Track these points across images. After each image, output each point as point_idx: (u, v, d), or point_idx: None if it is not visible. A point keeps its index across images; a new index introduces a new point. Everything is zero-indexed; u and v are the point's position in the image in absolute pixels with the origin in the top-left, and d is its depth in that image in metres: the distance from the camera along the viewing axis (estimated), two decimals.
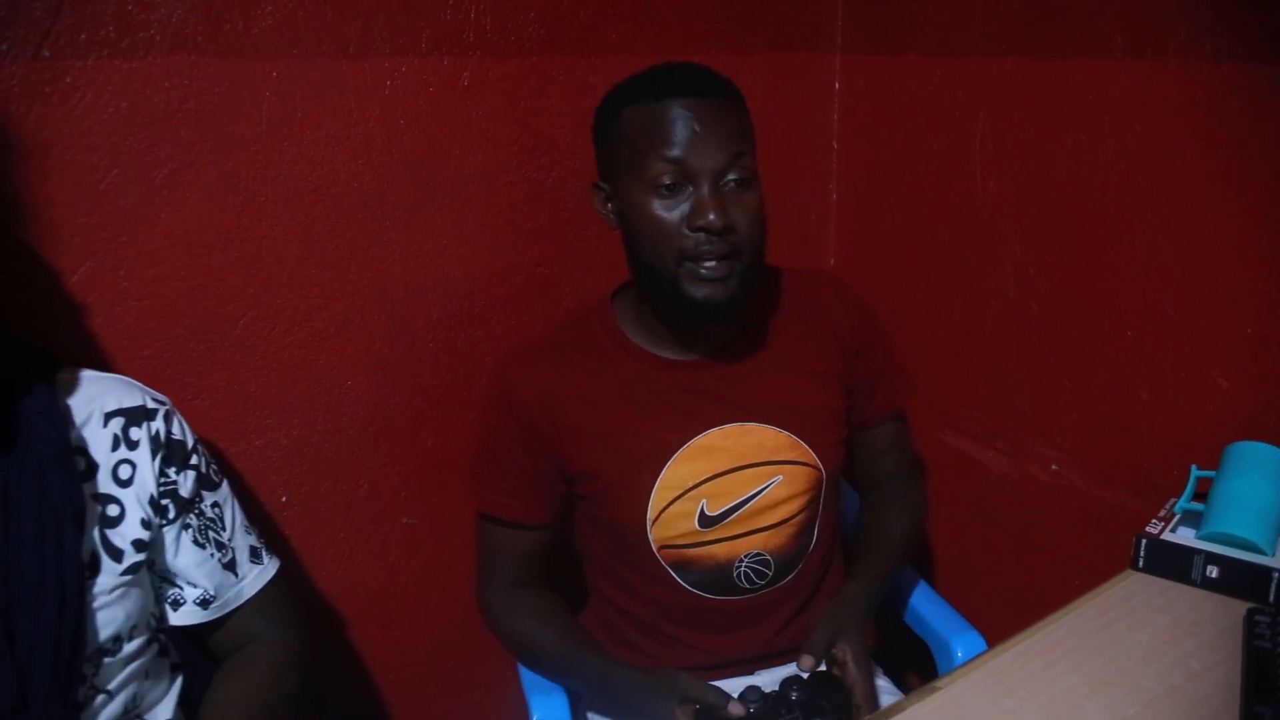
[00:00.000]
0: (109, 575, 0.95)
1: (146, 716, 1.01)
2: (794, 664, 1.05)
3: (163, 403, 1.02)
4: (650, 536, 1.14)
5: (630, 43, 1.35)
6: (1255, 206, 1.07)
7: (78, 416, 0.97)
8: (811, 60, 1.52)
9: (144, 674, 1.01)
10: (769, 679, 1.18)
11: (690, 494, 1.13)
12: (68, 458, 0.95)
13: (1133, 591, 1.02)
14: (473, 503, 1.20)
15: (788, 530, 1.17)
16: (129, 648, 0.97)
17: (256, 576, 1.08)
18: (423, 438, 1.34)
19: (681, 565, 1.15)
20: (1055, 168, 1.25)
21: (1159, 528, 1.08)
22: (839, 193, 1.60)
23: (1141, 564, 1.06)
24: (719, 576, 1.16)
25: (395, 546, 1.37)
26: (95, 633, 0.93)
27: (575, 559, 1.27)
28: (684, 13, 1.39)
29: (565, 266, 1.40)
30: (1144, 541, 1.06)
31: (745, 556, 1.15)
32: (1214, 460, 1.09)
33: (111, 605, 0.95)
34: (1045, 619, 0.97)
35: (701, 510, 1.14)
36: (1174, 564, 1.03)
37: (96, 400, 0.99)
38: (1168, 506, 1.14)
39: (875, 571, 1.18)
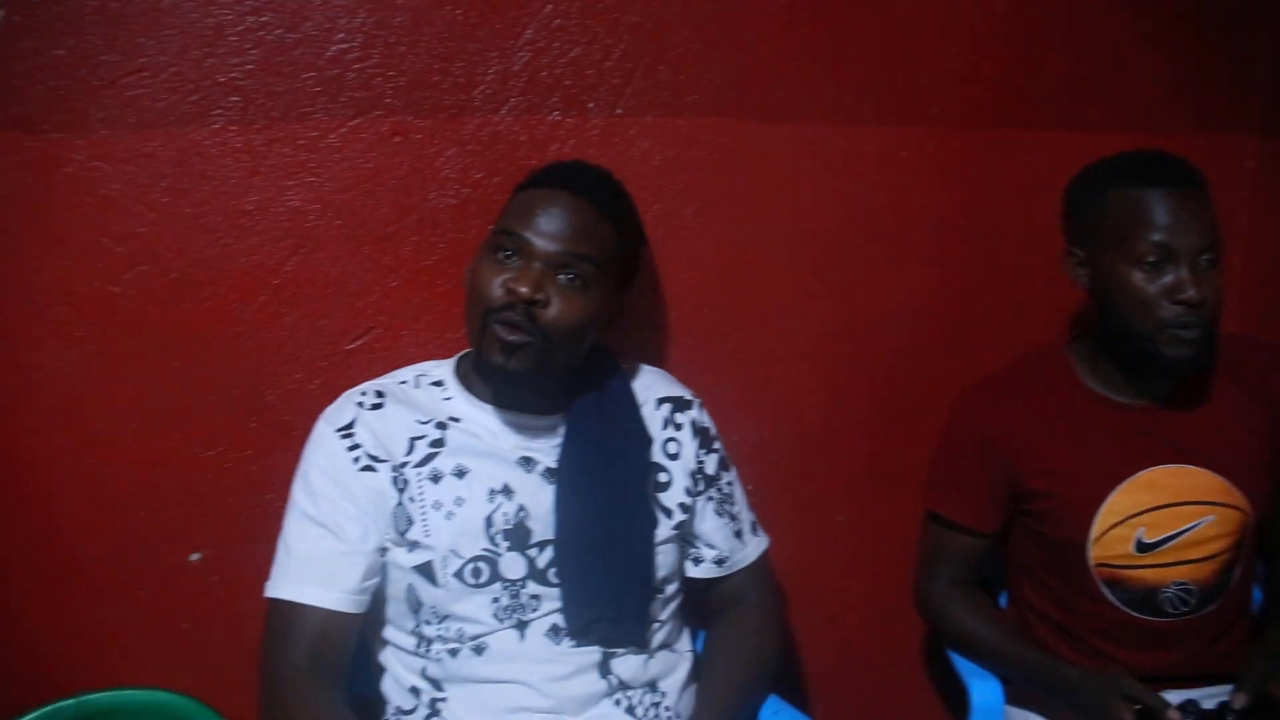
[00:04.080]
0: (663, 529, 1.28)
1: (675, 645, 1.33)
2: (1198, 689, 1.28)
3: (695, 397, 1.37)
4: (1089, 554, 1.41)
5: (1077, 121, 1.65)
6: None
7: (639, 398, 1.33)
8: (1228, 141, 1.76)
9: (676, 613, 1.34)
10: (1174, 700, 1.40)
11: (1130, 521, 1.39)
12: (642, 429, 1.31)
13: None
14: (931, 505, 1.50)
15: (1212, 565, 1.40)
16: (669, 589, 1.30)
17: (755, 546, 1.40)
18: (862, 448, 1.66)
19: (1114, 583, 1.41)
20: None
21: None
22: (1243, 263, 1.83)
23: None
24: (1146, 598, 1.40)
25: (831, 540, 1.69)
26: (654, 572, 1.28)
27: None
28: (1121, 96, 1.67)
29: (984, 315, 1.70)
30: None
31: (1172, 584, 1.40)
32: None
33: (662, 553, 1.28)
34: None
35: (1139, 537, 1.39)
36: None
37: (650, 388, 1.34)
38: None
39: None
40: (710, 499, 1.30)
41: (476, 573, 1.17)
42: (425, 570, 1.17)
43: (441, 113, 1.37)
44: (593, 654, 1.18)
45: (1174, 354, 1.29)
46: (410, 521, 1.18)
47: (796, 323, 1.58)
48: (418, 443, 1.20)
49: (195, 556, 1.45)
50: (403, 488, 1.19)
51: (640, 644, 1.20)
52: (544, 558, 1.17)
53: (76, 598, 1.42)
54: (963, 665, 1.49)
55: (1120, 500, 1.37)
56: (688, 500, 1.27)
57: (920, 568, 1.53)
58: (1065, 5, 1.60)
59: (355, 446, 1.18)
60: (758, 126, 1.49)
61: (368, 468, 1.18)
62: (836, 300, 1.59)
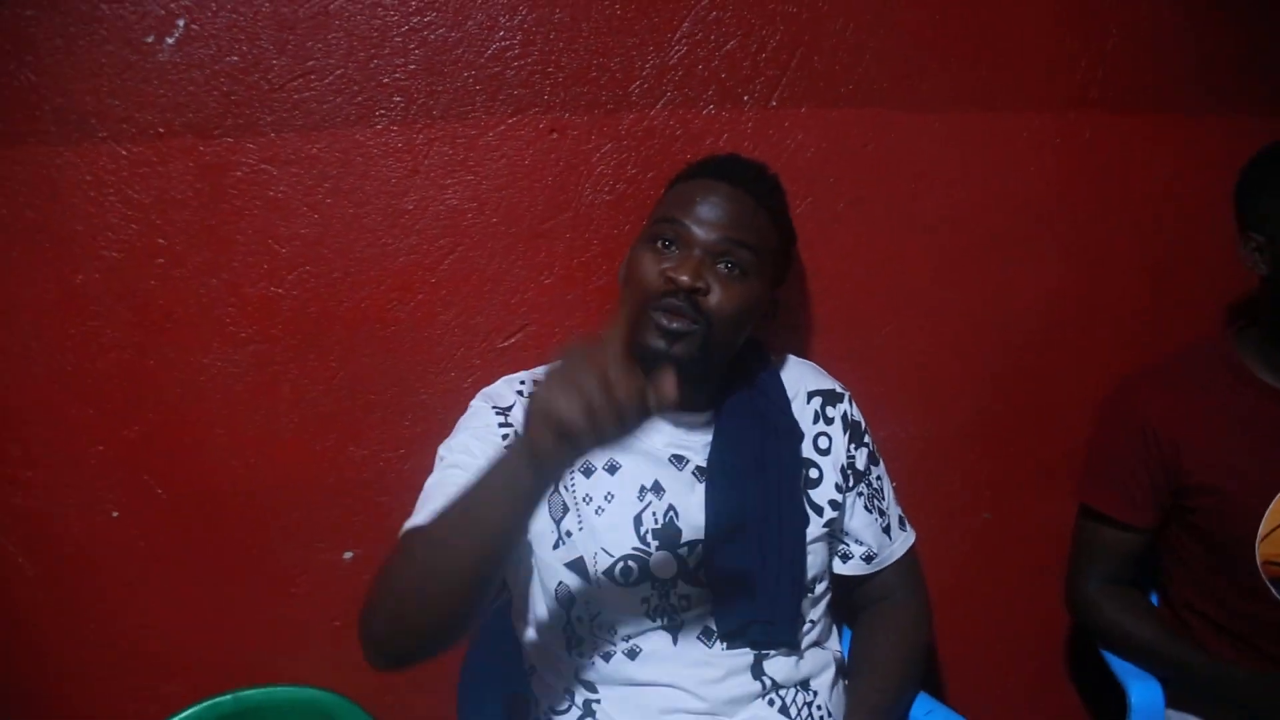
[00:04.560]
0: (814, 527, 1.25)
1: (825, 643, 1.31)
2: None
3: (846, 389, 1.34)
4: (1257, 552, 1.38)
5: (1232, 104, 1.61)
6: None
7: (789, 391, 1.31)
8: None
9: (826, 611, 1.32)
10: None
11: None
12: (794, 426, 1.29)
13: None
14: (1086, 499, 1.48)
15: None
16: (819, 588, 1.28)
17: (903, 542, 1.37)
18: (1016, 441, 1.65)
19: None
20: None
21: None
22: None
23: None
24: None
25: (970, 540, 1.68)
26: (805, 572, 1.25)
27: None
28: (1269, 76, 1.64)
29: (1137, 301, 1.67)
30: None
31: None
32: None
33: (813, 552, 1.25)
34: None
35: None
36: None
37: (801, 380, 1.32)
38: None
39: None
40: (860, 494, 1.29)
41: (626, 572, 1.17)
42: (577, 566, 1.17)
43: (598, 109, 1.37)
44: (745, 656, 1.16)
45: None
46: (565, 509, 1.19)
47: (945, 315, 1.57)
48: None
49: (348, 555, 1.47)
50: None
51: (792, 645, 1.19)
52: (694, 557, 1.16)
53: (233, 594, 1.45)
54: (1120, 666, 1.47)
55: None
56: (838, 497, 1.25)
57: (1073, 565, 1.52)
58: None
59: (507, 425, 1.17)
60: (909, 117, 1.48)
61: None
62: (985, 292, 1.58)
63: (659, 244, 1.14)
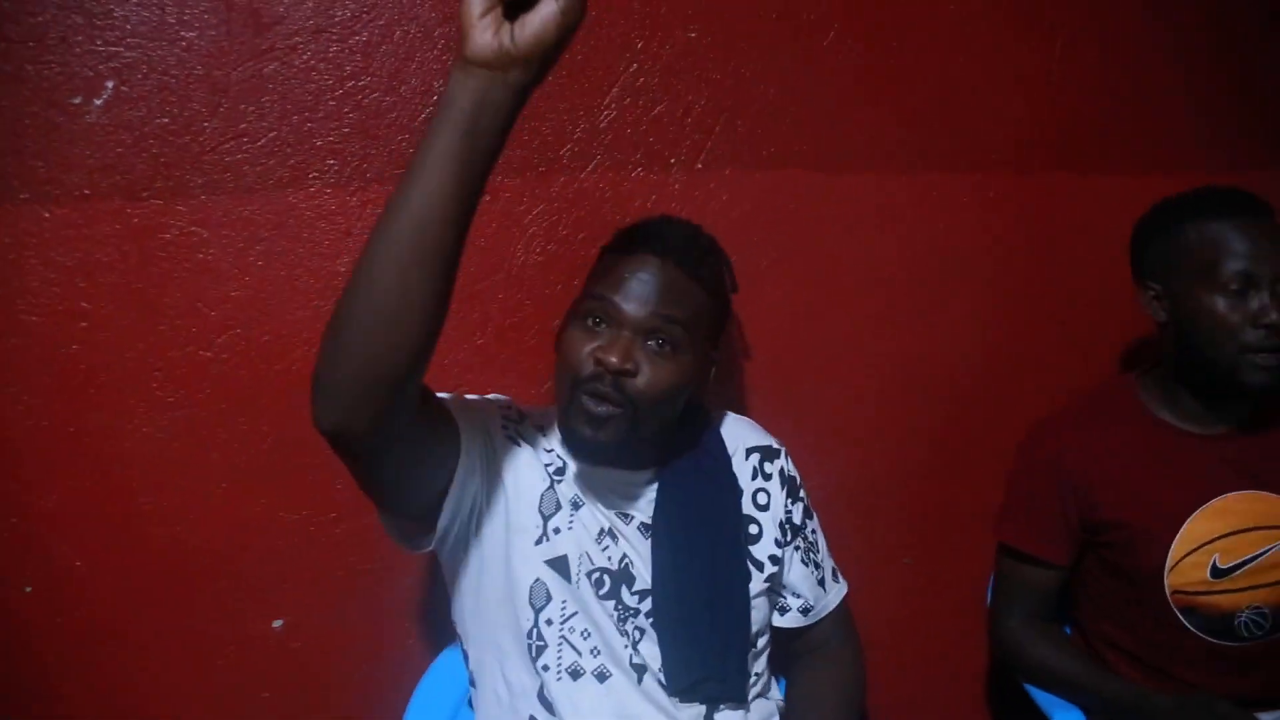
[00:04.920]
0: (756, 582, 1.28)
1: (768, 694, 1.34)
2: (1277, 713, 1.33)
3: (781, 444, 1.38)
4: (1166, 582, 1.47)
5: (1125, 164, 1.75)
6: None
7: (729, 447, 1.34)
8: (1268, 178, 1.85)
9: (766, 663, 1.34)
10: None
11: (1205, 548, 1.45)
12: (734, 483, 1.32)
13: None
14: (1004, 538, 1.55)
15: None
16: (760, 642, 1.31)
17: (836, 593, 1.41)
18: (935, 488, 1.72)
19: (1190, 610, 1.46)
20: None
21: None
22: None
23: None
24: (1222, 624, 1.45)
25: (892, 585, 1.73)
26: (751, 627, 1.27)
27: None
28: (1165, 139, 1.77)
29: (1050, 349, 1.78)
30: None
31: (1247, 608, 1.45)
32: None
33: (756, 607, 1.28)
34: None
35: (1214, 563, 1.45)
36: None
37: (739, 437, 1.36)
38: None
39: None
40: (797, 548, 1.31)
41: (600, 582, 1.19)
42: (559, 565, 1.18)
43: (530, 171, 1.41)
44: (698, 709, 1.18)
45: (1255, 379, 1.37)
46: (558, 507, 1.20)
47: (866, 367, 1.64)
48: (548, 466, 1.21)
49: (278, 623, 1.44)
50: (552, 481, 1.21)
51: (740, 698, 1.21)
52: (645, 604, 1.18)
53: (155, 669, 1.41)
54: (1043, 698, 1.53)
55: (1195, 527, 1.43)
56: (778, 551, 1.28)
57: (995, 603, 1.57)
58: (1111, 55, 1.69)
59: (509, 420, 1.21)
60: (828, 177, 1.55)
61: (513, 439, 1.19)
62: (904, 343, 1.65)
63: (589, 321, 1.15)
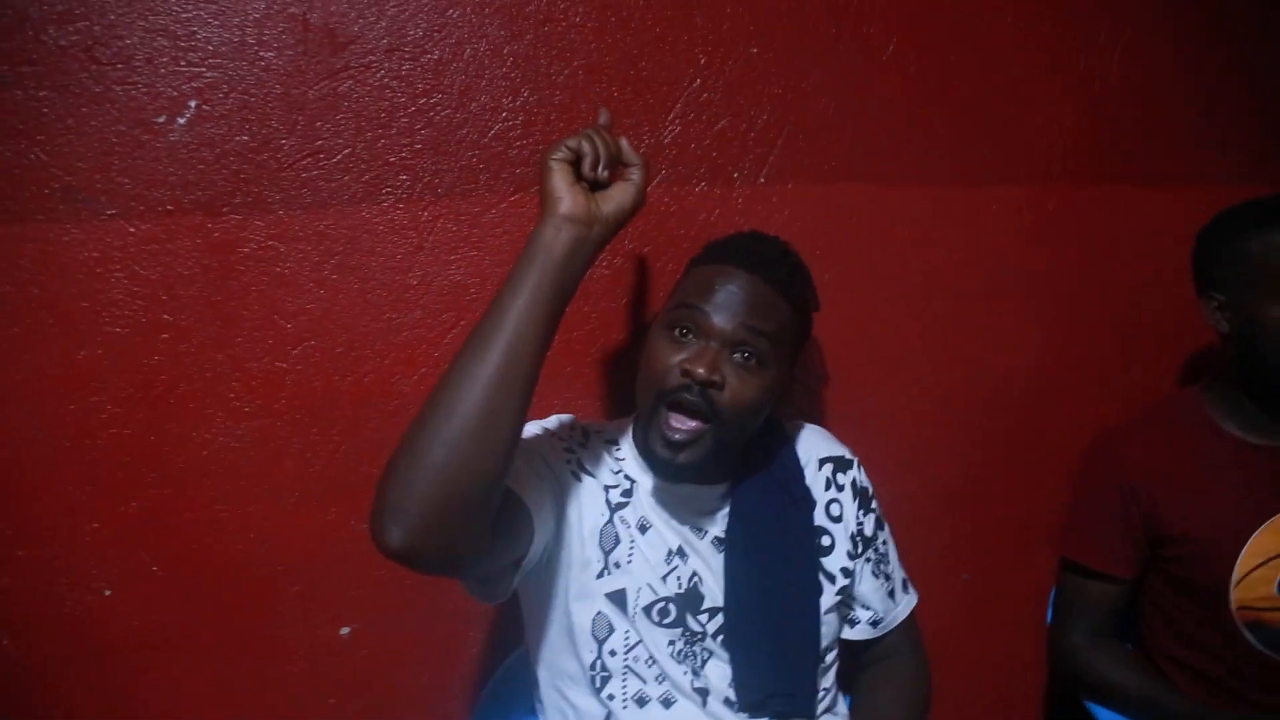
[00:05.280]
0: (828, 595, 1.30)
1: (836, 709, 1.35)
2: None
3: (854, 455, 1.40)
4: (1231, 597, 1.46)
5: (1186, 175, 1.75)
6: None
7: (802, 458, 1.36)
8: None
9: (834, 678, 1.35)
10: None
11: (1274, 562, 1.45)
12: (807, 495, 1.33)
13: None
14: (1069, 553, 1.55)
15: None
16: (829, 657, 1.32)
17: (906, 605, 1.42)
18: (996, 501, 1.72)
19: (1257, 626, 1.46)
20: None
21: None
22: None
23: None
24: None
25: (952, 600, 1.74)
26: (821, 642, 1.29)
27: None
28: (1224, 150, 1.78)
29: (1108, 362, 1.78)
30: None
31: None
32: None
33: (826, 621, 1.29)
34: None
35: None
36: None
37: (813, 448, 1.37)
38: None
39: None
40: (868, 560, 1.32)
41: (664, 612, 1.21)
42: (618, 598, 1.20)
43: None
44: None
45: None
46: (617, 541, 1.21)
47: (928, 380, 1.65)
48: (611, 490, 1.23)
49: (345, 631, 1.47)
50: (613, 511, 1.22)
51: (810, 714, 1.21)
52: (713, 624, 1.20)
53: (229, 673, 1.44)
54: (1104, 715, 1.53)
55: (1262, 541, 1.43)
56: (850, 564, 1.30)
57: (1057, 617, 1.58)
58: (1167, 67, 1.70)
59: (570, 450, 1.22)
60: (888, 190, 1.57)
61: (575, 473, 1.21)
62: (964, 356, 1.66)
63: (676, 331, 1.15)
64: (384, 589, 1.45)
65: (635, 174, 1.07)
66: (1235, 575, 1.43)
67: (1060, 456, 1.63)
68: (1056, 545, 1.60)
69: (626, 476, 1.24)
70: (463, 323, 1.40)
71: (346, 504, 1.42)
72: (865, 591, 1.33)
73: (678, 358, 1.13)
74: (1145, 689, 1.48)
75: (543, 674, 1.26)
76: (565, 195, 1.00)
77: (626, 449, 1.29)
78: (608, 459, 1.25)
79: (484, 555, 1.00)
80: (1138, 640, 1.61)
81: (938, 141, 1.59)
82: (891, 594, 1.36)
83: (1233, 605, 1.43)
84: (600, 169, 1.03)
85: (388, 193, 1.36)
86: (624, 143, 1.08)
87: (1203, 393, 1.54)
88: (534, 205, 1.41)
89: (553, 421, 1.26)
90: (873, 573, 1.33)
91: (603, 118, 1.10)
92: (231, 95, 1.29)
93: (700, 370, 1.10)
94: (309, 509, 1.41)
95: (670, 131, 1.45)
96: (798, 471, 1.32)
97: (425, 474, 0.89)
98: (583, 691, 1.21)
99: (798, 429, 1.39)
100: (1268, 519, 1.44)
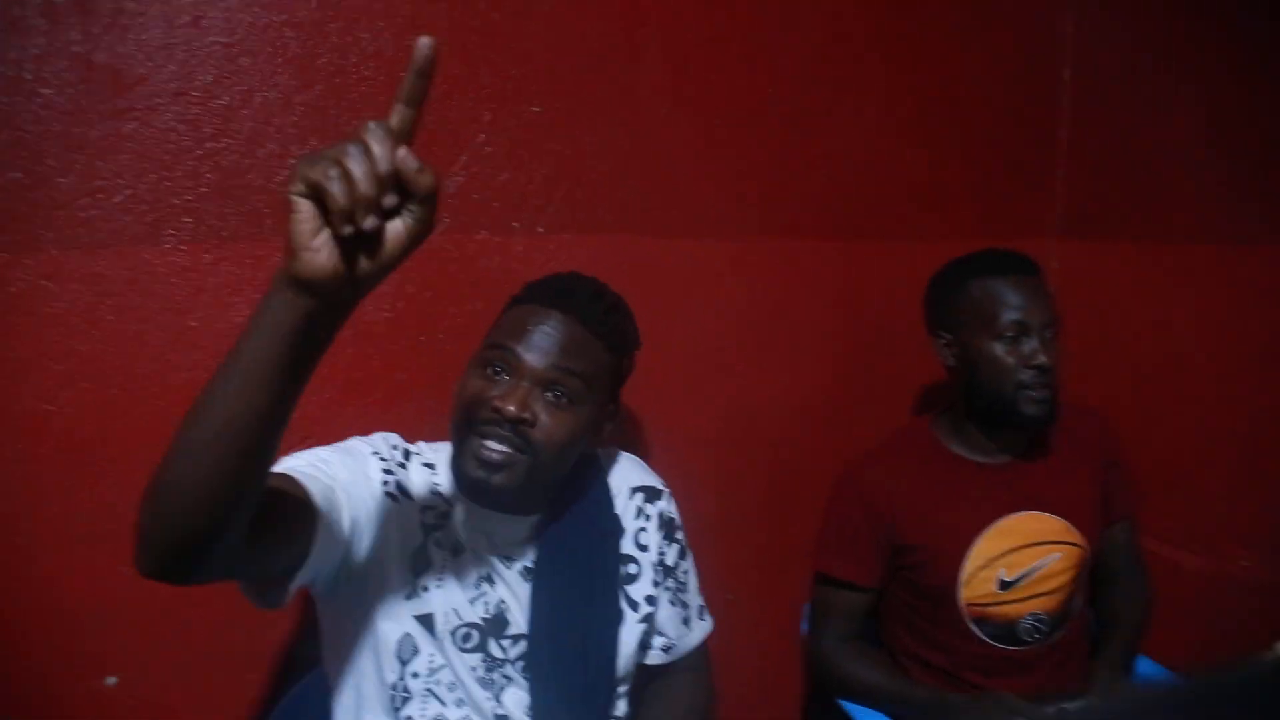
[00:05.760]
0: (630, 624, 1.35)
1: None
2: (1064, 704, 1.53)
3: (665, 486, 1.41)
4: (960, 595, 1.68)
5: (916, 231, 2.00)
6: None
7: (614, 487, 1.35)
8: (1033, 244, 2.15)
9: (627, 704, 1.39)
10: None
11: (993, 563, 1.68)
12: (616, 524, 1.36)
13: None
14: (820, 567, 1.71)
15: (1059, 596, 1.70)
16: (622, 688, 1.38)
17: (700, 631, 1.44)
18: (755, 528, 1.88)
19: (981, 620, 1.67)
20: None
21: None
22: None
23: None
24: (1008, 630, 1.67)
25: (719, 616, 1.87)
26: (619, 670, 1.34)
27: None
28: (952, 208, 2.04)
29: (858, 400, 1.98)
30: None
31: (1028, 615, 1.68)
32: None
33: (627, 647, 1.34)
34: None
35: (1000, 576, 1.68)
36: None
37: (625, 476, 1.38)
38: None
39: (1119, 649, 1.73)
40: (668, 589, 1.36)
41: (467, 637, 1.24)
42: (426, 621, 1.22)
43: None
44: None
45: (1030, 411, 1.60)
46: (430, 564, 1.23)
47: (694, 416, 1.79)
48: (427, 513, 1.24)
49: (111, 680, 1.43)
50: (427, 534, 1.25)
51: None
52: (515, 650, 1.23)
53: None
54: (854, 710, 1.69)
55: (984, 546, 1.65)
56: (653, 592, 1.33)
57: (812, 626, 1.74)
58: (903, 136, 1.94)
59: (390, 471, 1.22)
60: (659, 241, 1.71)
61: (392, 494, 1.20)
62: (730, 394, 1.81)
63: (489, 370, 1.17)
64: (155, 634, 1.42)
65: (416, 210, 0.79)
66: (962, 576, 1.63)
67: (816, 484, 1.80)
68: (809, 563, 1.76)
69: (445, 499, 1.25)
70: None
71: (113, 550, 1.38)
72: (662, 619, 1.36)
73: (489, 394, 1.15)
74: (889, 684, 1.65)
75: (337, 694, 1.27)
76: (304, 248, 0.75)
77: (444, 474, 1.29)
78: (426, 482, 1.26)
79: (240, 567, 0.99)
80: (882, 642, 1.79)
81: (709, 197, 1.75)
82: (686, 621, 1.40)
83: (961, 603, 1.63)
84: (358, 223, 0.74)
85: (170, 234, 1.37)
86: (403, 154, 0.78)
87: (932, 422, 1.76)
88: None
89: (378, 439, 1.26)
90: (670, 601, 1.36)
91: (421, 50, 0.80)
92: (3, 132, 1.27)
93: (510, 408, 1.13)
94: (73, 555, 1.37)
95: (455, 182, 1.54)
96: (607, 502, 1.34)
97: (164, 516, 0.85)
98: (377, 712, 1.23)
99: (612, 457, 1.39)
100: (988, 526, 1.65)
